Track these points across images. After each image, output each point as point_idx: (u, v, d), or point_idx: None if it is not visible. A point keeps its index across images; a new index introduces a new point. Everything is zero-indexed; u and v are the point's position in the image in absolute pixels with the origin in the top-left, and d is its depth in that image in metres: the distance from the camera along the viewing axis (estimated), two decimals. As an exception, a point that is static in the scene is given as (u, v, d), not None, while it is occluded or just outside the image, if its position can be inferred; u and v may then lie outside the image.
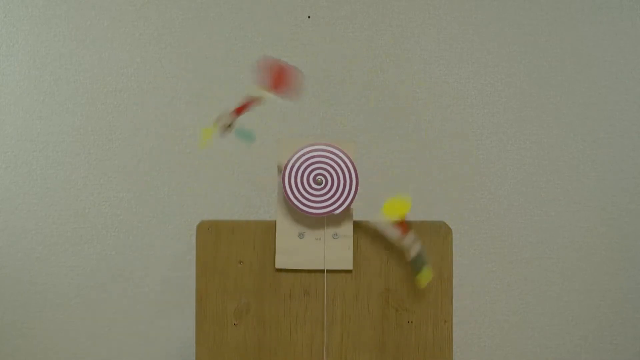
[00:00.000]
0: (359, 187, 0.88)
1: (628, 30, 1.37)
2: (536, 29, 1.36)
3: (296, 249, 0.89)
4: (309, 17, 1.34)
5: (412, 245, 0.88)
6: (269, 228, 0.90)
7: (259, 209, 1.32)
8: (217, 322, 0.90)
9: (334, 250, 0.89)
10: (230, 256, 0.90)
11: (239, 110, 0.85)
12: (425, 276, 0.88)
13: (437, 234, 0.91)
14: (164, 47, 1.33)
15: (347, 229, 0.89)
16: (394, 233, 0.89)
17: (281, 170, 0.88)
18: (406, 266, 0.90)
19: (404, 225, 0.87)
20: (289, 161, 0.88)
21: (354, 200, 0.88)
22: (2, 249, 1.30)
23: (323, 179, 0.88)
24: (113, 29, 1.33)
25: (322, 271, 0.89)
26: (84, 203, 1.31)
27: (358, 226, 0.90)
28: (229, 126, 0.86)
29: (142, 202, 1.31)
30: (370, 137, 1.34)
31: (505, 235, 1.34)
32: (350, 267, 0.89)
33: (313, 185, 0.88)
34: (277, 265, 0.90)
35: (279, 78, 0.86)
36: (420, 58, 1.35)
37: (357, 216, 0.90)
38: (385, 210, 0.87)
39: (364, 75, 1.34)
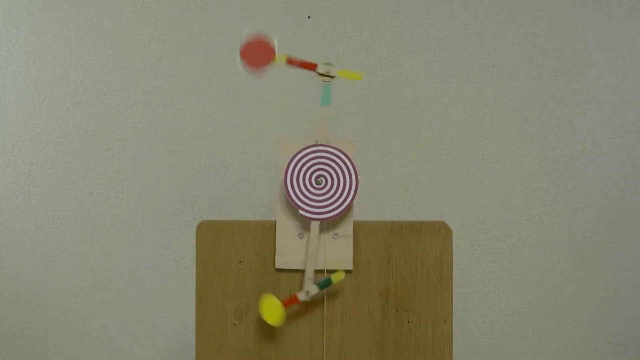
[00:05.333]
0: (358, 187, 0.88)
1: (628, 30, 1.37)
2: (536, 29, 1.36)
3: (296, 249, 0.89)
4: (309, 17, 1.34)
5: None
6: (269, 228, 0.90)
7: (259, 209, 1.32)
8: (217, 322, 0.90)
9: (334, 250, 0.89)
10: (230, 256, 0.90)
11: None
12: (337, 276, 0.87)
13: (437, 234, 0.91)
14: (164, 47, 1.33)
15: (347, 229, 0.89)
16: None
17: (281, 171, 0.88)
18: (406, 266, 0.90)
19: None
20: (290, 162, 0.88)
21: (354, 201, 0.88)
22: (2, 249, 1.30)
23: (323, 179, 0.88)
24: (113, 29, 1.32)
25: (322, 271, 0.89)
26: (84, 203, 1.31)
27: (358, 226, 0.90)
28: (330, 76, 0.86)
29: (142, 202, 1.31)
30: (370, 137, 1.34)
31: (505, 235, 1.34)
32: (350, 267, 0.89)
33: (314, 185, 0.87)
34: (277, 265, 0.89)
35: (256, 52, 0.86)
36: (420, 58, 1.35)
37: (357, 216, 0.90)
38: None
39: (364, 75, 1.34)
